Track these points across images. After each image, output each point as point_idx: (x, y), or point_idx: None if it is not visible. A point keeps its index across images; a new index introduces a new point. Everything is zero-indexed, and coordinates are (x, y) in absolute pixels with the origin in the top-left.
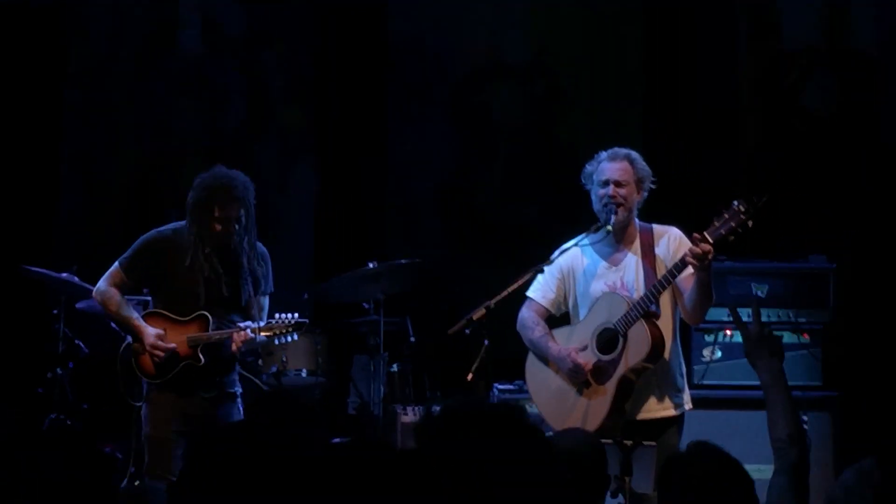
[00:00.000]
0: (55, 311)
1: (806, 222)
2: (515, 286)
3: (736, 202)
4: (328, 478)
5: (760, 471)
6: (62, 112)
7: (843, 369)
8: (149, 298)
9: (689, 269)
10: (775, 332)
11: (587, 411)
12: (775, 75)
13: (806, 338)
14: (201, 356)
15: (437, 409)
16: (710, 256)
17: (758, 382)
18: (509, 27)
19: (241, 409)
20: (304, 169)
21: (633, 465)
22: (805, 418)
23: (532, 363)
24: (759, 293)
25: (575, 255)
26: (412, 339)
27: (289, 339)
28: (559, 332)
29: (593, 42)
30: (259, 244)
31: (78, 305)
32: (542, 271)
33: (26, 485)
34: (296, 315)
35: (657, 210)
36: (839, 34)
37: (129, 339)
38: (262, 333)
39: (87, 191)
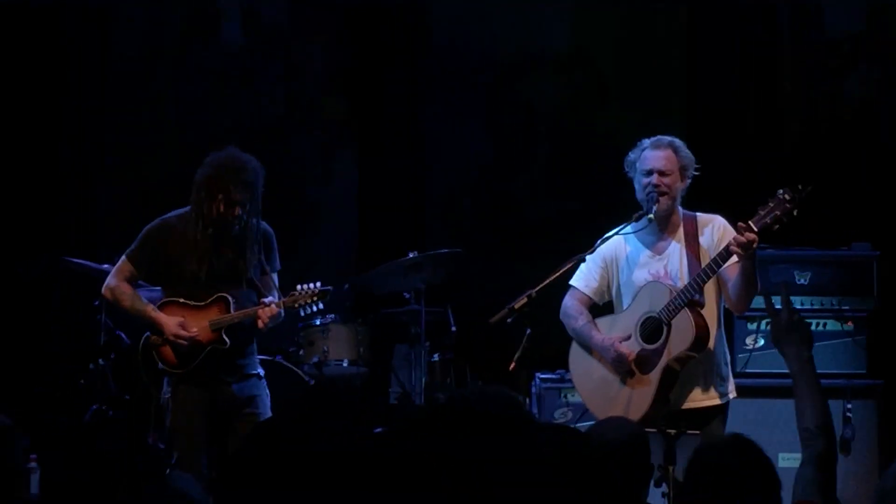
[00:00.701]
0: (97, 303)
1: (849, 210)
2: (557, 275)
3: (781, 191)
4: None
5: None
6: (104, 104)
7: (888, 357)
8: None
9: (734, 258)
10: (808, 319)
11: (631, 401)
12: (817, 64)
13: (850, 325)
14: (226, 339)
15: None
16: (754, 245)
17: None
18: (550, 18)
19: (267, 391)
20: (344, 160)
21: (676, 453)
22: (849, 406)
23: (575, 352)
24: (802, 281)
25: (618, 243)
26: (453, 328)
27: (314, 308)
28: (602, 322)
29: (635, 34)
30: (263, 223)
31: (96, 303)
32: (583, 260)
33: (75, 473)
34: (318, 284)
35: (702, 202)
36: (882, 23)
37: (147, 333)
38: (287, 304)
39: (129, 182)
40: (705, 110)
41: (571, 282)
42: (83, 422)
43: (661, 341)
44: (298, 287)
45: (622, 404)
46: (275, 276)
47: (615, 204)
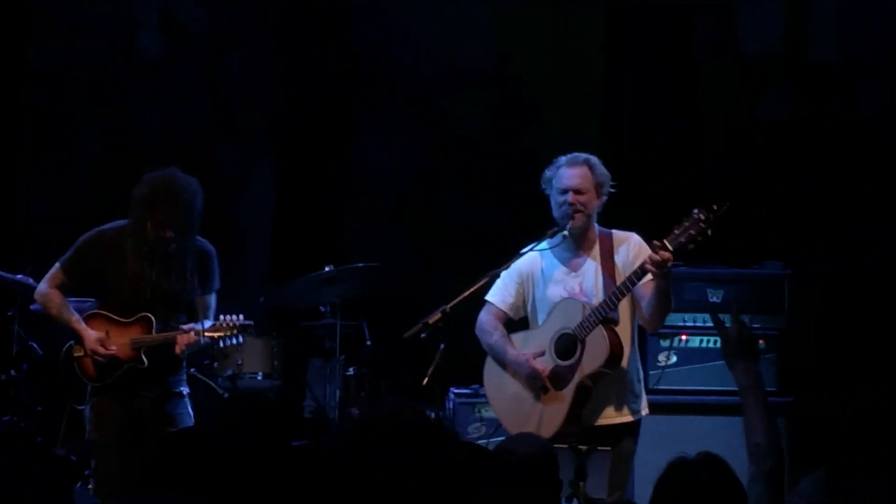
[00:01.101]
0: (10, 313)
1: (761, 229)
2: (472, 290)
3: (696, 210)
4: (291, 481)
5: None
6: (23, 115)
7: (797, 375)
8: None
9: (648, 276)
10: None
11: (543, 417)
12: (734, 84)
13: (762, 343)
14: (145, 359)
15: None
16: (669, 264)
17: (712, 387)
18: (471, 36)
19: (190, 409)
20: (264, 173)
21: (587, 470)
22: None
23: (490, 368)
24: (715, 299)
25: (534, 259)
26: (368, 342)
27: (234, 341)
28: (517, 337)
29: (554, 51)
30: (205, 241)
31: (32, 307)
32: (498, 276)
33: None
34: (241, 317)
35: (616, 218)
36: (799, 44)
37: (71, 342)
38: (207, 335)
39: (46, 192)
40: (622, 126)
41: (487, 297)
42: None
43: (575, 358)
44: (222, 317)
45: (535, 420)
46: (212, 297)
47: (533, 220)
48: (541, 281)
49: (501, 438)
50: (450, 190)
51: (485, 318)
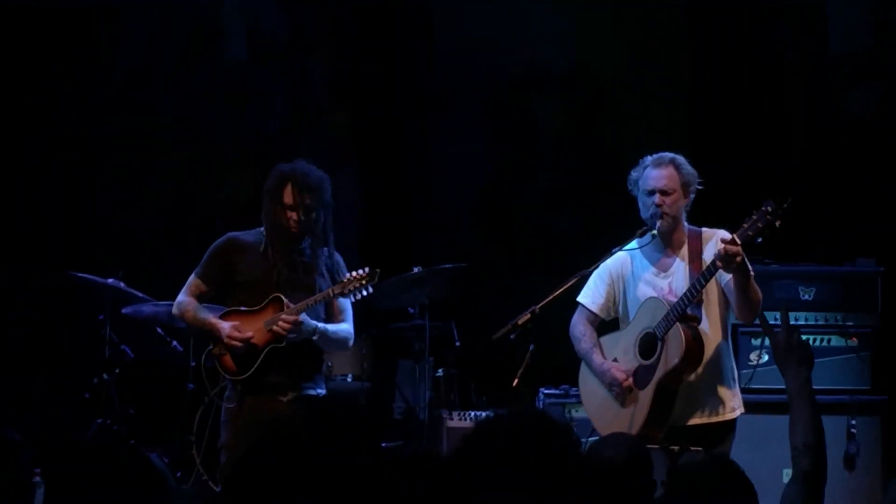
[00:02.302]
0: (101, 317)
1: (854, 226)
2: (560, 291)
3: (765, 203)
4: (378, 486)
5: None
6: (106, 119)
7: (892, 373)
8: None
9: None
10: (812, 335)
11: (629, 418)
12: (821, 79)
13: (854, 341)
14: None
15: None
16: (738, 259)
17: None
18: (552, 36)
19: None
20: (347, 176)
21: None
22: (854, 422)
23: (584, 370)
24: (807, 297)
25: (624, 260)
26: (457, 343)
27: (365, 292)
28: (607, 339)
29: (637, 50)
30: (337, 254)
31: (124, 310)
32: (586, 276)
33: (78, 492)
34: (366, 268)
35: (705, 217)
36: (887, 42)
37: (209, 348)
38: (334, 292)
39: (132, 197)
40: (707, 125)
41: (579, 298)
42: (87, 436)
43: (655, 356)
44: (347, 275)
45: (624, 421)
46: (348, 302)
47: (619, 220)
48: (631, 281)
49: (594, 439)
50: (535, 190)
51: (576, 321)
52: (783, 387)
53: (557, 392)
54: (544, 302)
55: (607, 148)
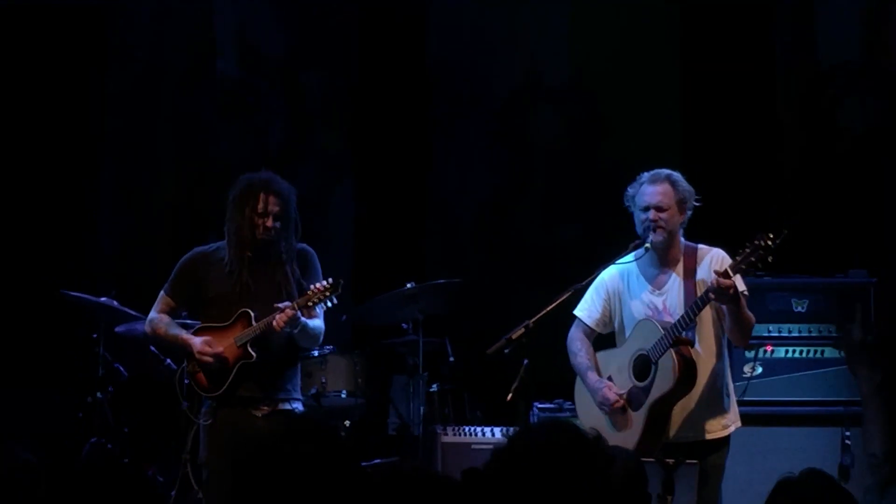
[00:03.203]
0: (94, 336)
1: (845, 237)
2: (554, 305)
3: (758, 237)
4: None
5: None
6: (102, 137)
7: (884, 384)
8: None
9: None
10: (804, 347)
11: (624, 436)
12: (813, 93)
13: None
14: (252, 351)
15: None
16: (730, 292)
17: (797, 398)
18: (548, 49)
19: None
20: (343, 191)
21: (675, 483)
22: (848, 434)
23: (580, 384)
24: (800, 308)
25: (621, 275)
26: (451, 359)
27: (329, 303)
28: (603, 355)
29: (632, 63)
30: (303, 244)
31: (117, 329)
32: (580, 290)
33: None
34: (329, 279)
35: (698, 229)
36: (877, 52)
37: (183, 364)
38: (300, 304)
39: (127, 216)
40: (701, 137)
41: (575, 311)
42: (82, 455)
43: (649, 380)
44: (311, 286)
45: (618, 438)
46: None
47: (613, 234)
48: (627, 298)
49: None
50: (529, 205)
51: (573, 335)
52: (776, 399)
53: (551, 406)
54: (538, 316)
55: (602, 161)
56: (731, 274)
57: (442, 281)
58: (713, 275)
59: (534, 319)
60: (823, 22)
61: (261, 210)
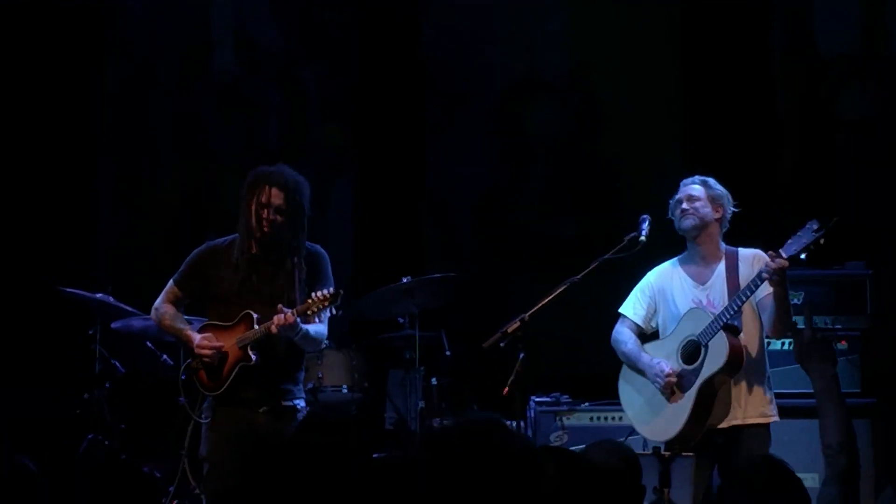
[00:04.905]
0: (91, 332)
1: (842, 228)
2: (550, 299)
3: (811, 221)
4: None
5: (804, 480)
6: (100, 133)
7: (882, 376)
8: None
9: (767, 288)
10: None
11: (670, 419)
12: (812, 83)
13: (844, 344)
14: (252, 354)
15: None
16: (782, 272)
17: (803, 390)
18: (546, 43)
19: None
20: (342, 185)
21: (671, 476)
22: None
23: (625, 374)
24: (795, 300)
25: (665, 273)
26: (448, 353)
27: (328, 313)
28: (649, 346)
29: (631, 57)
30: (316, 246)
31: (113, 325)
32: (576, 284)
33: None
34: (330, 288)
35: None
36: (876, 41)
37: (188, 360)
38: (299, 312)
39: (125, 211)
40: (701, 130)
41: (621, 310)
42: (79, 451)
43: (698, 362)
44: (312, 295)
45: (663, 422)
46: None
47: (610, 228)
48: (671, 295)
49: (582, 447)
50: (527, 199)
51: (620, 329)
52: (794, 391)
53: (548, 400)
54: (534, 310)
55: (600, 155)
56: (783, 255)
57: (438, 275)
58: (761, 261)
59: (530, 313)
60: (822, 10)
61: (264, 201)
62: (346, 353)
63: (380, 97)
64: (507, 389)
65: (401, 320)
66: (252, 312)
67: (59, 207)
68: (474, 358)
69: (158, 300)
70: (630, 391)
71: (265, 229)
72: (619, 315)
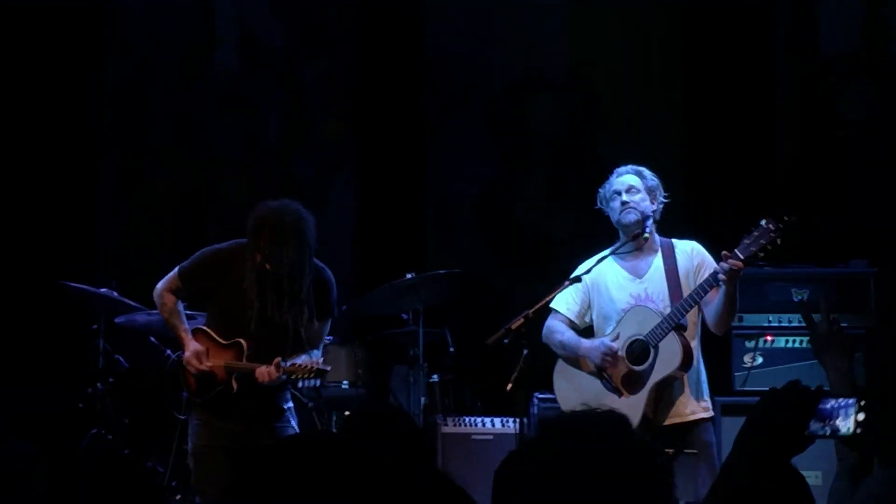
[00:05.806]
0: (94, 327)
1: (846, 227)
2: (553, 295)
3: (764, 221)
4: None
5: (807, 478)
6: (100, 131)
7: (885, 374)
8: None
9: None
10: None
11: None
12: (813, 83)
13: None
14: (234, 384)
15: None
16: (740, 273)
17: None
18: (547, 40)
19: (293, 422)
20: (343, 182)
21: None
22: None
23: (562, 369)
24: (800, 298)
25: (599, 266)
26: (451, 349)
27: (310, 383)
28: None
29: (631, 54)
30: (325, 268)
31: (117, 320)
32: (579, 281)
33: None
34: (320, 360)
35: (701, 218)
36: (878, 41)
37: (181, 352)
38: (285, 371)
39: (127, 208)
40: (700, 129)
41: (553, 304)
42: (82, 446)
43: (648, 363)
44: (303, 356)
45: None
46: (325, 325)
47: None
48: (605, 288)
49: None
50: (529, 195)
51: (552, 322)
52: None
53: (552, 396)
54: (538, 306)
55: (601, 153)
56: (740, 256)
57: (442, 271)
58: (704, 259)
59: (533, 309)
60: (824, 9)
61: (265, 254)
62: (350, 349)
63: (380, 95)
64: (510, 386)
65: (404, 316)
66: (243, 343)
67: (60, 205)
68: (478, 355)
69: (161, 284)
70: (567, 388)
71: (269, 268)
72: (551, 310)
